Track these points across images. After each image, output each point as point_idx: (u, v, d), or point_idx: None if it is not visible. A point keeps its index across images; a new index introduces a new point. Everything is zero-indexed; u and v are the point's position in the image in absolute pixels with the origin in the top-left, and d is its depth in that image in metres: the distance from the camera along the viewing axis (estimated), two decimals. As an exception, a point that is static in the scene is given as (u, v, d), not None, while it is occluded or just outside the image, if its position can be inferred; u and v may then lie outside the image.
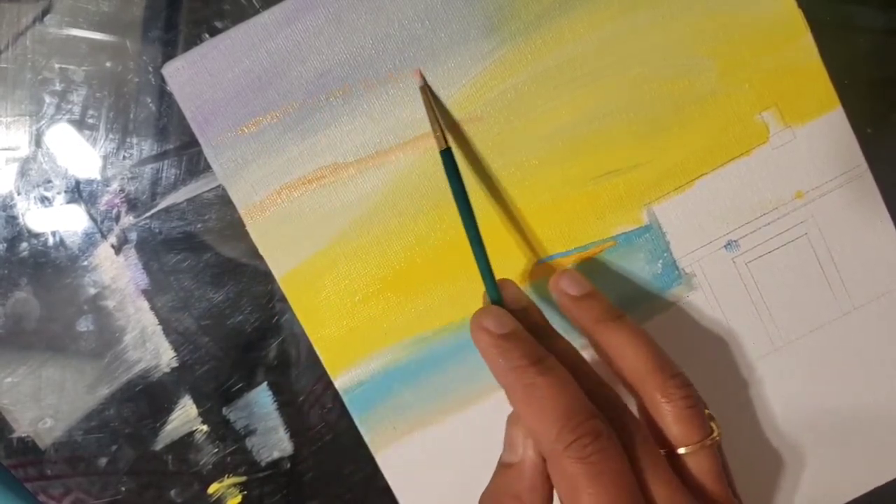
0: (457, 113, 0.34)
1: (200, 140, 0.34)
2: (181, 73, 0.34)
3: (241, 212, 0.35)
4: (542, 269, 0.36)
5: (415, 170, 0.35)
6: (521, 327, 0.30)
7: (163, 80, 0.34)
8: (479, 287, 0.33)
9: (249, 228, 0.35)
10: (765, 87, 0.35)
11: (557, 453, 0.27)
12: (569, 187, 0.35)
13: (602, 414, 0.28)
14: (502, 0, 0.34)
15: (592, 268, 0.36)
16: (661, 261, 0.36)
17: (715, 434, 0.30)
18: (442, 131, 0.32)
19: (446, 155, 0.32)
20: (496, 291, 0.31)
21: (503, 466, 0.30)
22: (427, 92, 0.33)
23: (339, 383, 0.36)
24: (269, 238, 0.35)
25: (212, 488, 0.37)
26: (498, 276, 0.32)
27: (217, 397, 0.36)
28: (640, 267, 0.36)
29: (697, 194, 0.35)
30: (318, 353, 0.36)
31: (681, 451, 0.30)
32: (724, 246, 0.36)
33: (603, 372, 0.31)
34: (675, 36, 0.34)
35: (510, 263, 0.35)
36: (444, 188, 0.35)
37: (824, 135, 0.35)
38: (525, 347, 0.29)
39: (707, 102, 0.35)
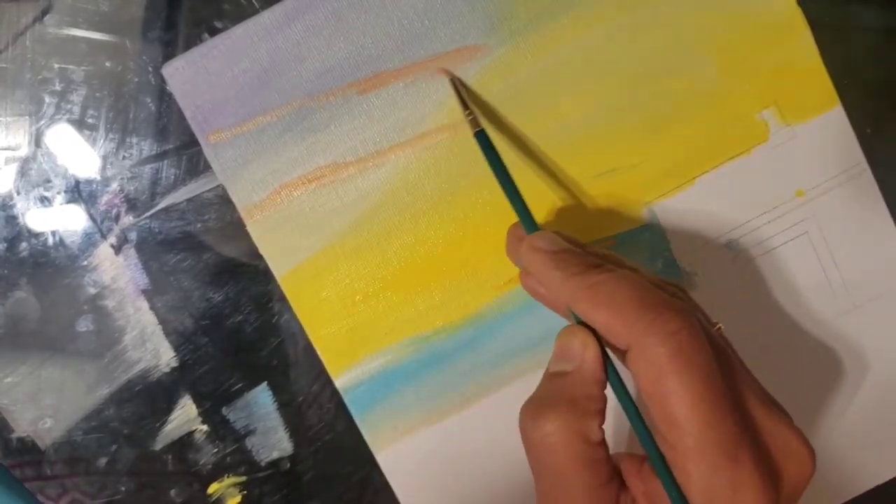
0: (456, 113, 0.34)
1: (200, 139, 0.34)
2: (181, 73, 0.34)
3: (241, 211, 0.35)
4: None
5: (414, 168, 0.35)
6: (572, 247, 0.29)
7: (162, 79, 0.34)
8: (479, 284, 0.33)
9: (249, 228, 0.35)
10: (764, 85, 0.35)
11: (640, 337, 0.25)
12: (569, 186, 0.35)
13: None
14: (502, 3, 0.34)
15: None
16: (661, 259, 0.36)
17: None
18: (474, 115, 0.32)
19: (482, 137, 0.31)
20: (536, 228, 0.30)
21: (553, 375, 0.28)
22: (457, 83, 0.33)
23: (339, 383, 0.36)
24: (269, 238, 0.35)
25: (211, 488, 0.36)
26: (495, 273, 0.31)
27: (217, 397, 0.36)
28: (640, 266, 0.36)
29: (698, 193, 0.35)
30: (319, 352, 0.36)
31: None
32: (725, 244, 0.36)
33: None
34: (674, 34, 0.34)
35: (509, 263, 0.35)
36: (444, 187, 0.35)
37: (824, 133, 0.35)
38: (581, 257, 0.28)
39: (707, 101, 0.35)
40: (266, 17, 0.33)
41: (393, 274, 0.35)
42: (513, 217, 0.33)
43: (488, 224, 0.35)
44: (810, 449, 0.27)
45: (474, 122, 0.32)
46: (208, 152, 0.34)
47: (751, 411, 0.26)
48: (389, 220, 0.35)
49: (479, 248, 0.35)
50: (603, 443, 0.27)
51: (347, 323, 0.35)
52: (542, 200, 0.35)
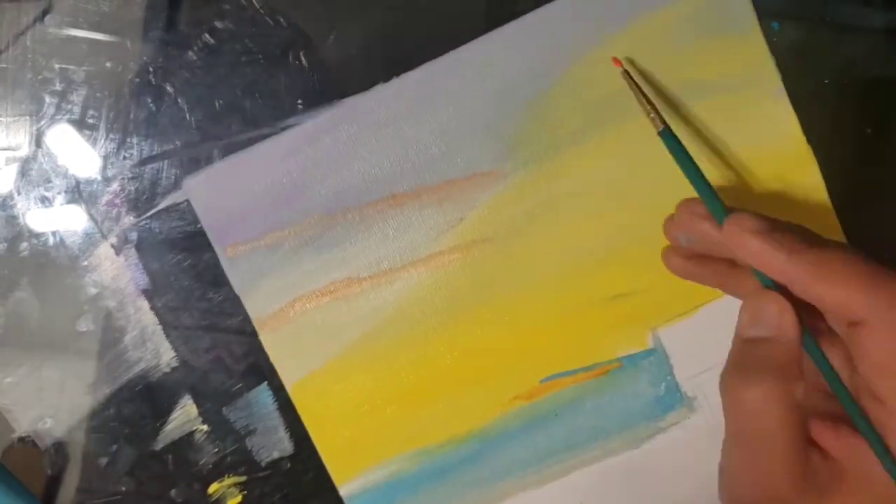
0: (469, 234, 0.35)
1: (218, 252, 0.35)
2: (202, 187, 0.35)
3: (255, 322, 0.35)
4: (546, 387, 0.36)
5: (426, 287, 0.35)
6: (782, 224, 0.29)
7: (163, 79, 0.34)
8: (484, 401, 0.36)
9: (262, 338, 0.35)
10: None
11: (883, 310, 0.25)
12: (576, 308, 0.36)
13: None
14: (517, 130, 0.34)
15: (596, 387, 0.36)
16: (664, 383, 0.36)
17: None
18: (657, 112, 0.32)
19: (666, 134, 0.32)
20: (725, 213, 0.30)
21: (749, 341, 0.29)
22: (629, 76, 0.33)
23: (343, 491, 0.36)
24: (281, 348, 0.35)
25: (212, 488, 0.36)
26: (500, 390, 0.34)
27: (217, 397, 0.36)
28: (643, 388, 0.36)
29: (702, 320, 0.36)
30: (324, 460, 0.36)
31: None
32: None
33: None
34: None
35: (515, 380, 0.36)
36: (454, 305, 0.35)
37: None
38: (798, 234, 0.28)
39: None
40: (289, 137, 0.34)
41: (400, 387, 0.36)
42: (521, 336, 0.35)
43: (495, 343, 0.36)
44: None
45: (658, 121, 0.32)
46: (225, 264, 0.35)
47: None
48: (399, 335, 0.35)
49: (486, 366, 0.36)
50: (802, 404, 0.28)
51: (353, 433, 0.36)
52: (550, 321, 0.36)
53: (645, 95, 0.32)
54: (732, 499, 0.29)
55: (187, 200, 0.35)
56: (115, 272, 0.35)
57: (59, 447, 0.36)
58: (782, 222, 0.30)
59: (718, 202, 0.30)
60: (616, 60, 0.33)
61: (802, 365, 0.28)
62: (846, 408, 0.28)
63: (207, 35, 0.34)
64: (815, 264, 0.27)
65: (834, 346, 0.29)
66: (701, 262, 0.32)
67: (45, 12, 0.34)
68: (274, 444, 0.36)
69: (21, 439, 0.36)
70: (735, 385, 0.28)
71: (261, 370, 0.36)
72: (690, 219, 0.31)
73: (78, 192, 0.35)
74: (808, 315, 0.28)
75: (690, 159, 0.31)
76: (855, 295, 0.26)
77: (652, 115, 0.32)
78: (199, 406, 0.36)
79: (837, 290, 0.26)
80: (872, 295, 0.26)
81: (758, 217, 0.29)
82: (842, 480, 0.27)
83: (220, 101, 0.35)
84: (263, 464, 0.37)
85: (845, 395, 0.28)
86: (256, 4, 0.34)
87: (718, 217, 0.30)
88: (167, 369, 0.36)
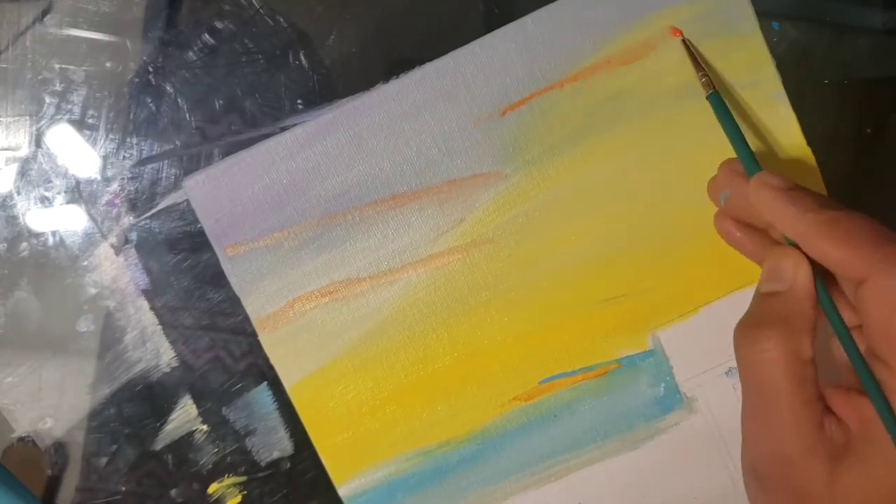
0: (469, 235, 0.35)
1: (217, 251, 0.35)
2: (202, 187, 0.34)
3: (254, 322, 0.35)
4: (545, 388, 0.36)
5: (425, 286, 0.35)
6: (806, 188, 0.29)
7: (163, 79, 0.34)
8: (483, 401, 0.35)
9: (261, 339, 0.35)
10: None
11: (880, 270, 0.26)
12: (576, 309, 0.36)
13: None
14: (517, 131, 0.34)
15: (596, 389, 0.36)
16: (663, 384, 0.36)
17: None
18: (708, 77, 0.33)
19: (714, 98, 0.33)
20: (759, 168, 0.31)
21: (766, 295, 0.29)
22: (689, 44, 0.34)
23: (342, 491, 0.36)
24: (280, 349, 0.35)
25: (212, 488, 0.36)
26: (499, 391, 0.35)
27: (217, 397, 0.36)
28: (642, 389, 0.36)
29: (702, 321, 0.36)
30: (323, 461, 0.36)
31: None
32: (725, 372, 0.36)
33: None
34: (683, 167, 0.35)
35: (514, 381, 0.36)
36: (453, 305, 0.36)
37: None
38: (813, 194, 0.29)
39: (713, 232, 0.35)
40: (288, 137, 0.34)
41: (399, 388, 0.36)
42: (521, 336, 0.35)
43: (494, 343, 0.36)
44: None
45: (708, 84, 0.33)
46: (225, 264, 0.35)
47: None
48: (399, 335, 0.35)
49: (485, 367, 0.36)
50: (813, 362, 0.28)
51: (353, 434, 0.36)
52: (550, 322, 0.36)
53: (699, 62, 0.33)
54: (750, 464, 0.29)
55: (187, 200, 0.35)
56: (115, 272, 0.35)
57: (59, 447, 0.36)
58: (808, 189, 0.30)
59: (753, 162, 0.31)
60: (675, 30, 0.34)
61: (815, 322, 0.28)
62: (854, 366, 0.28)
63: (207, 35, 0.34)
64: (824, 223, 0.27)
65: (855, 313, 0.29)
66: (746, 230, 0.33)
67: (45, 12, 0.34)
68: (274, 444, 0.36)
69: (21, 439, 0.36)
70: (744, 336, 0.29)
71: (261, 370, 0.36)
72: (729, 175, 0.32)
73: (78, 192, 0.35)
74: (830, 280, 0.29)
75: (734, 121, 0.32)
76: (856, 253, 0.26)
77: (704, 80, 0.33)
78: (199, 406, 0.36)
79: (841, 247, 0.27)
80: (872, 254, 0.26)
81: (781, 176, 0.30)
82: (851, 447, 0.27)
83: (220, 101, 0.35)
84: (263, 464, 0.37)
85: (853, 351, 0.28)
86: (256, 4, 0.34)
87: (750, 173, 0.31)
88: (167, 369, 0.36)
